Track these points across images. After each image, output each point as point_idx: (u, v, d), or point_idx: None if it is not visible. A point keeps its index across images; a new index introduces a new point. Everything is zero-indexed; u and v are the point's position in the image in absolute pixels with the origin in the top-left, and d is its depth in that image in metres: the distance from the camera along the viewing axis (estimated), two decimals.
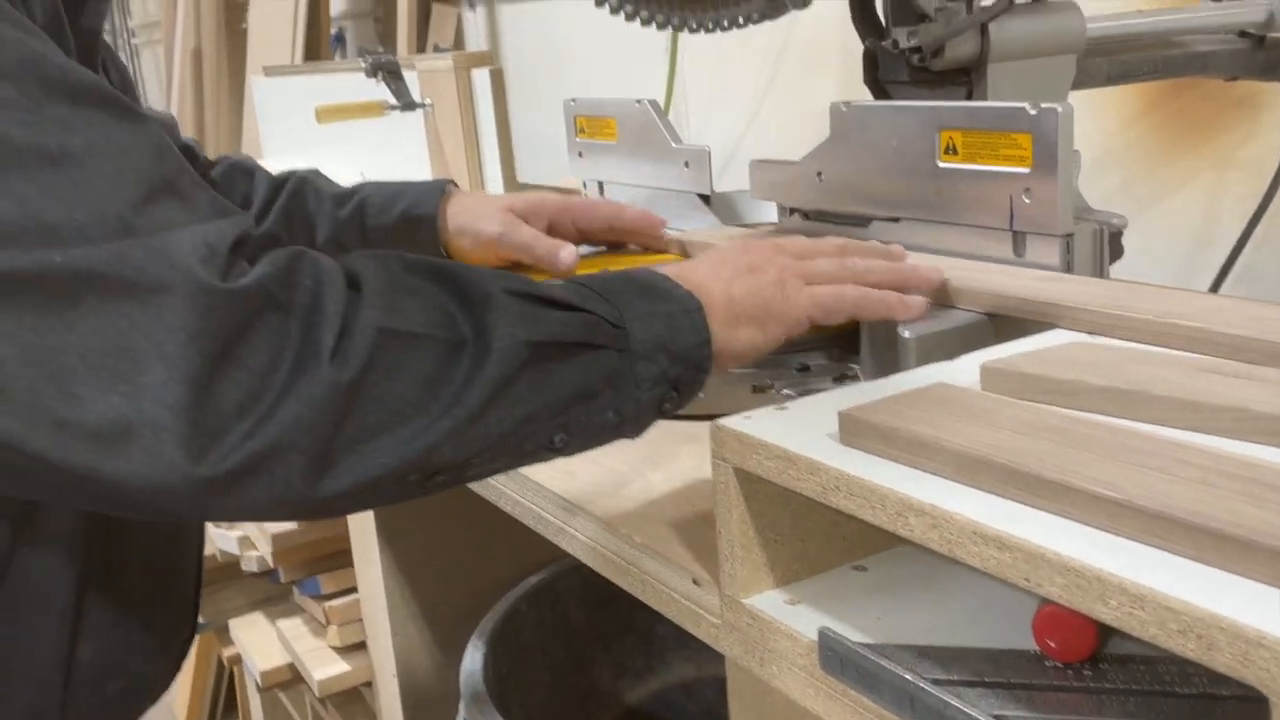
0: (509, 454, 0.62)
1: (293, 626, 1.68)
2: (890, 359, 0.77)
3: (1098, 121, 1.34)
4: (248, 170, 1.11)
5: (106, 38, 0.77)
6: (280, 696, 1.87)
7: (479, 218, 1.07)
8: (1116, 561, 0.43)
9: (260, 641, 1.73)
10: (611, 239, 1.15)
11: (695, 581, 0.67)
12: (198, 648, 2.13)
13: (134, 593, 0.78)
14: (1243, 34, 1.09)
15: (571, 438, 0.63)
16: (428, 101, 1.79)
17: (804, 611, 0.60)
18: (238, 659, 1.84)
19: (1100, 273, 0.87)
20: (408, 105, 1.77)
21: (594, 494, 0.79)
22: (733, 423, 0.60)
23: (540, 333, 0.61)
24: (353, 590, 1.54)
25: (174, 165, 0.59)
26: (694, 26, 1.09)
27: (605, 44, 2.15)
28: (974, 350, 0.70)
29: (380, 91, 1.78)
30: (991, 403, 0.58)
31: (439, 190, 1.09)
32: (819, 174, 1.02)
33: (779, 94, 1.84)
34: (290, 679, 1.68)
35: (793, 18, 1.03)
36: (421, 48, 2.68)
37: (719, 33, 1.09)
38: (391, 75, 1.76)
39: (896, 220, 0.97)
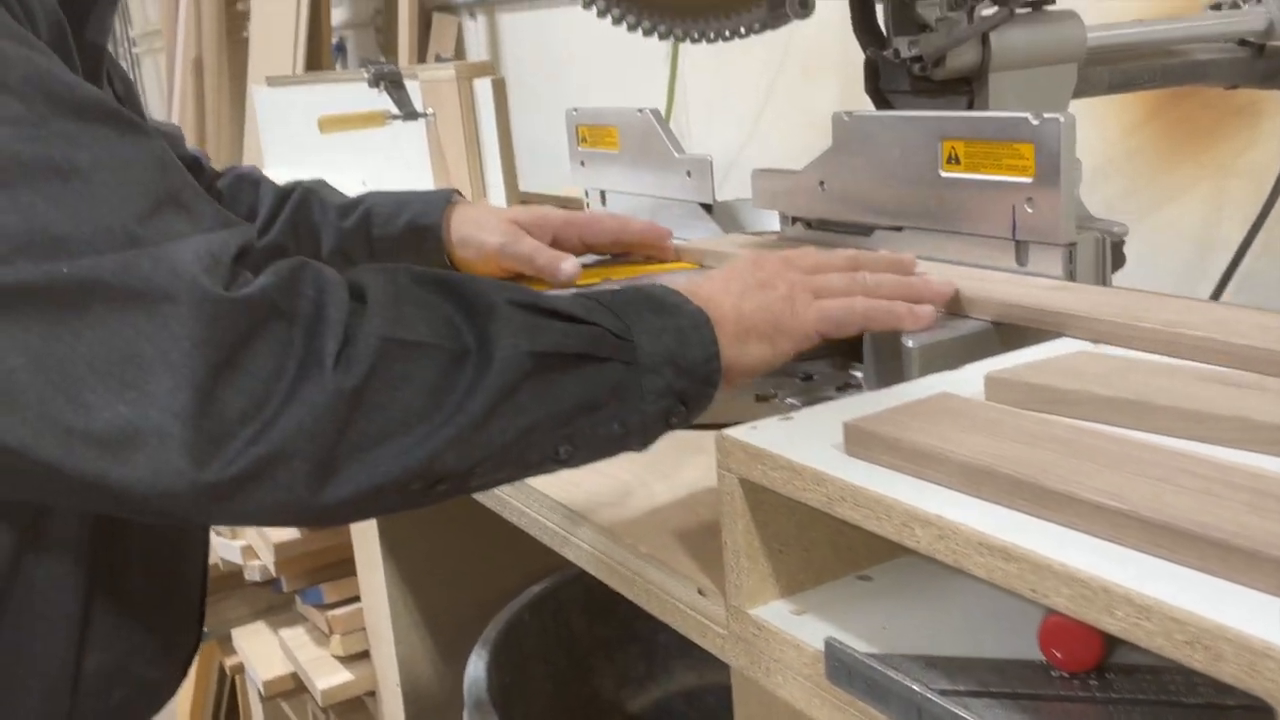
0: (513, 464, 0.62)
1: (295, 636, 1.68)
2: (893, 368, 0.77)
3: (1099, 129, 1.34)
4: (254, 181, 1.12)
5: (108, 48, 0.77)
6: (283, 706, 1.87)
7: (483, 229, 1.08)
8: (1123, 572, 0.43)
9: (263, 651, 1.73)
10: (617, 251, 1.15)
11: (701, 592, 0.67)
12: (200, 657, 2.13)
13: (139, 599, 0.78)
14: (1243, 42, 1.10)
15: (576, 449, 0.64)
16: (430, 111, 1.79)
17: (809, 621, 0.60)
18: (240, 668, 1.84)
19: (1103, 282, 0.87)
20: (410, 115, 1.78)
21: (598, 504, 0.79)
22: (738, 433, 0.60)
23: (543, 343, 0.61)
24: (355, 599, 1.54)
25: (177, 177, 0.60)
26: (695, 37, 1.09)
27: (606, 52, 2.16)
28: (978, 360, 0.70)
29: (382, 101, 1.79)
30: (996, 413, 0.58)
31: (444, 200, 1.09)
32: (821, 183, 1.03)
33: (780, 102, 1.85)
34: (293, 688, 1.68)
35: (793, 26, 1.03)
36: (422, 57, 2.69)
37: (720, 43, 1.09)
38: (394, 85, 1.76)
39: (899, 229, 0.97)
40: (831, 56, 1.67)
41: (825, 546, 0.63)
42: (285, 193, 1.11)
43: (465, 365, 0.60)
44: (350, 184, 1.20)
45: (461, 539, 1.35)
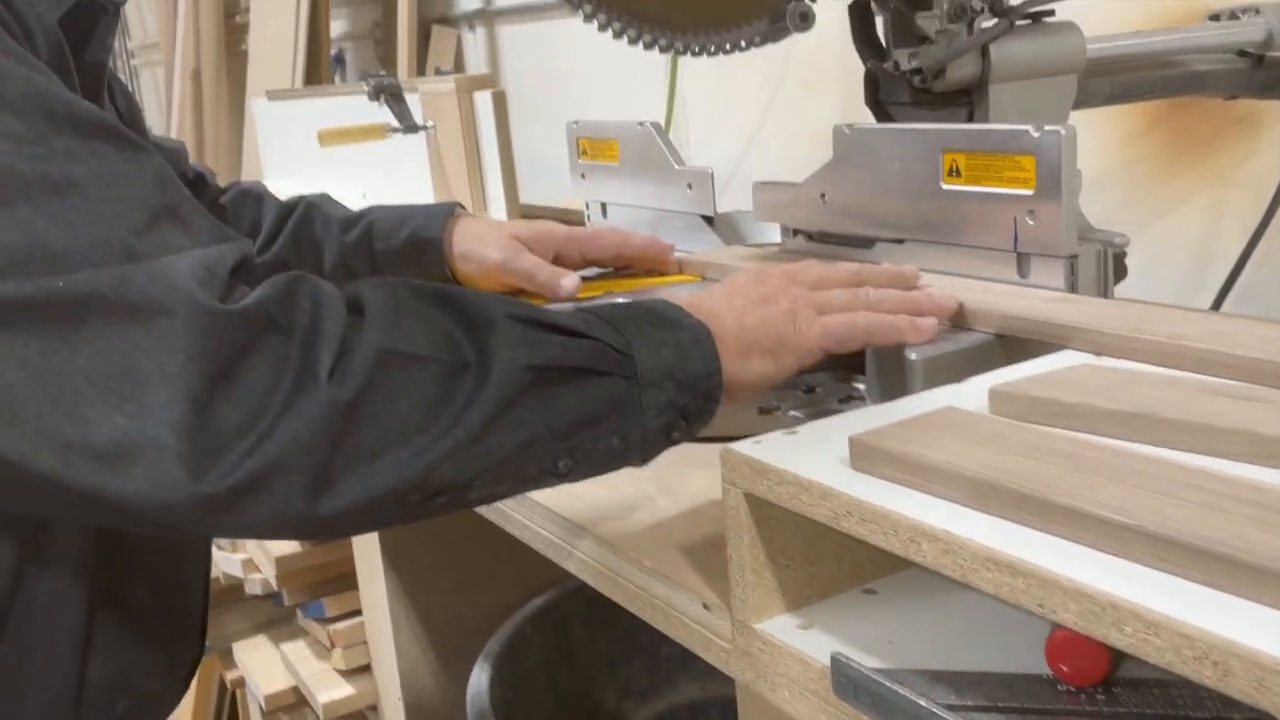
0: (512, 477, 0.62)
1: (296, 649, 1.68)
2: (897, 381, 0.77)
3: (1098, 140, 1.34)
4: (257, 196, 1.12)
5: (109, 64, 0.77)
6: None
7: (484, 243, 1.08)
8: (1129, 587, 0.43)
9: (264, 664, 1.73)
10: (619, 266, 1.15)
11: (706, 606, 0.67)
12: (201, 671, 2.12)
13: (141, 611, 0.78)
14: (1242, 53, 1.10)
15: (576, 463, 0.64)
16: (430, 124, 1.80)
17: (816, 636, 0.60)
18: (241, 682, 1.83)
19: (1105, 294, 0.87)
20: (410, 128, 1.78)
21: (601, 517, 0.79)
22: (744, 448, 0.60)
23: (542, 357, 0.61)
24: (357, 613, 1.54)
25: (175, 193, 0.61)
26: (695, 50, 1.09)
27: (605, 64, 2.16)
28: (981, 372, 0.70)
29: (382, 114, 1.79)
30: (1001, 426, 0.58)
31: (446, 214, 1.10)
32: (822, 195, 1.03)
33: (780, 114, 1.85)
34: (294, 702, 1.68)
35: (793, 39, 1.03)
36: (422, 69, 2.69)
37: (720, 56, 1.09)
38: (394, 98, 1.77)
39: (900, 242, 0.97)
40: (832, 69, 1.67)
41: (830, 560, 0.63)
42: (288, 208, 1.11)
43: (464, 378, 0.60)
44: (350, 197, 1.20)
45: (463, 552, 1.35)
